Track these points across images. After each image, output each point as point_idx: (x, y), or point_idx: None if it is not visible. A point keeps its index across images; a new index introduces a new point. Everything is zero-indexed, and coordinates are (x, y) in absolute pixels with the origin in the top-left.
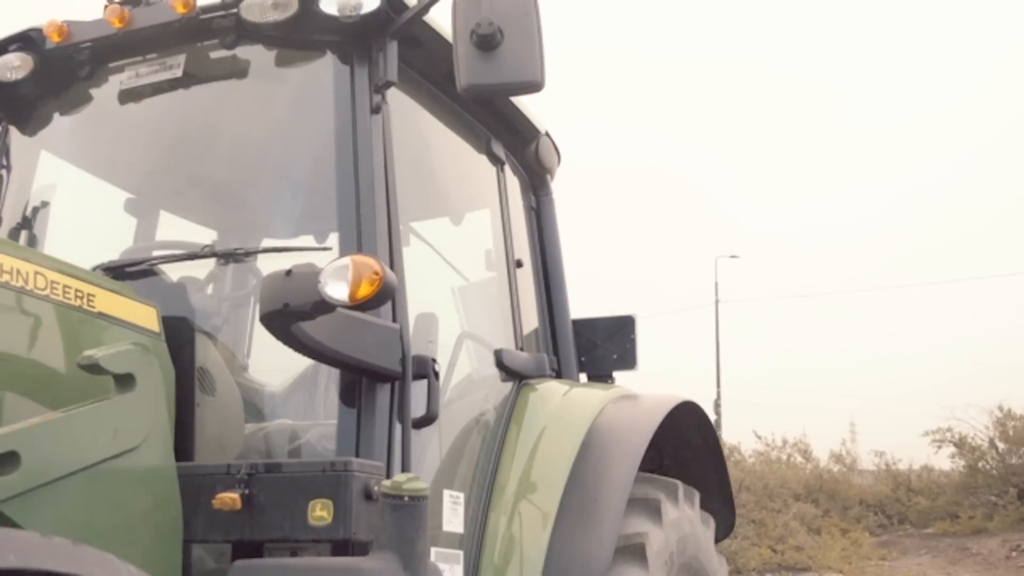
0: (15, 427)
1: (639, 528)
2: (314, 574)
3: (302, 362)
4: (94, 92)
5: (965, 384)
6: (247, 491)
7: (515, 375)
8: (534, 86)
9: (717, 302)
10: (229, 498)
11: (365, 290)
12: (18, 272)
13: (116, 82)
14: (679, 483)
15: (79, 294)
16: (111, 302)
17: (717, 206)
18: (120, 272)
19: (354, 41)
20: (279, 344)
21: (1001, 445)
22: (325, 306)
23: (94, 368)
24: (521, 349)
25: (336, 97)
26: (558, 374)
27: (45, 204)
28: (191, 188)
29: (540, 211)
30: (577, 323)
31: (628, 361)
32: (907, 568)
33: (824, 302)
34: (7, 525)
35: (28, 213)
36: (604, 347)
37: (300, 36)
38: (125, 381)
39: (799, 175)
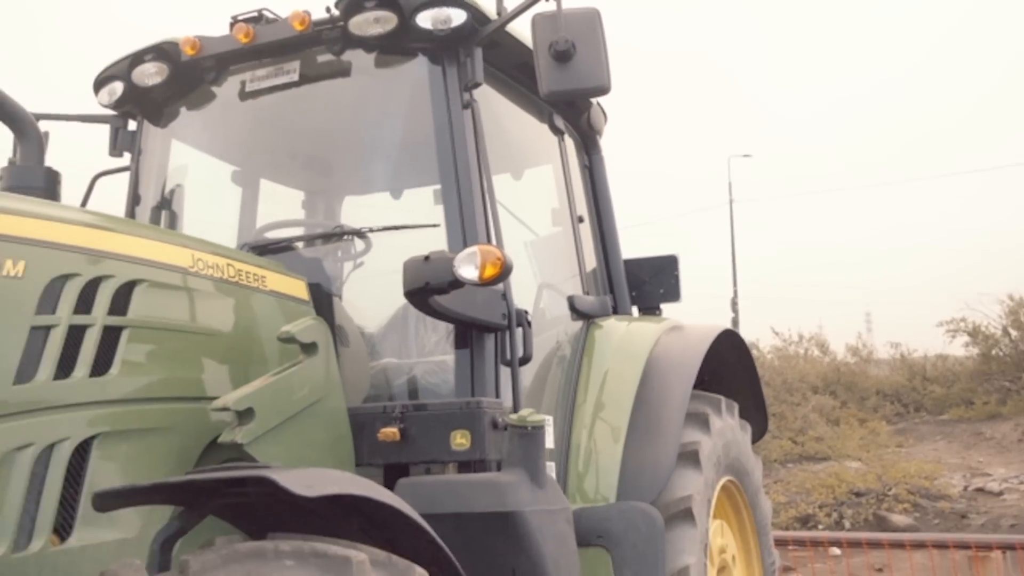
0: (248, 389)
1: (693, 438)
2: (466, 486)
3: (389, 308)
4: (217, 91)
5: (977, 272)
6: (402, 426)
7: (584, 316)
8: (602, 90)
9: (731, 202)
10: (390, 432)
11: (490, 271)
12: (216, 265)
13: (237, 82)
14: (721, 398)
15: (255, 276)
16: (276, 280)
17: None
18: (263, 249)
19: (445, 48)
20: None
21: (1014, 332)
22: (458, 284)
23: (290, 340)
24: (587, 293)
25: (432, 95)
26: (615, 311)
27: (178, 186)
28: (291, 160)
29: (593, 168)
30: (627, 263)
31: (672, 295)
32: (923, 453)
33: (836, 198)
34: (248, 460)
35: (165, 194)
36: (651, 283)
37: (399, 45)
38: (310, 348)
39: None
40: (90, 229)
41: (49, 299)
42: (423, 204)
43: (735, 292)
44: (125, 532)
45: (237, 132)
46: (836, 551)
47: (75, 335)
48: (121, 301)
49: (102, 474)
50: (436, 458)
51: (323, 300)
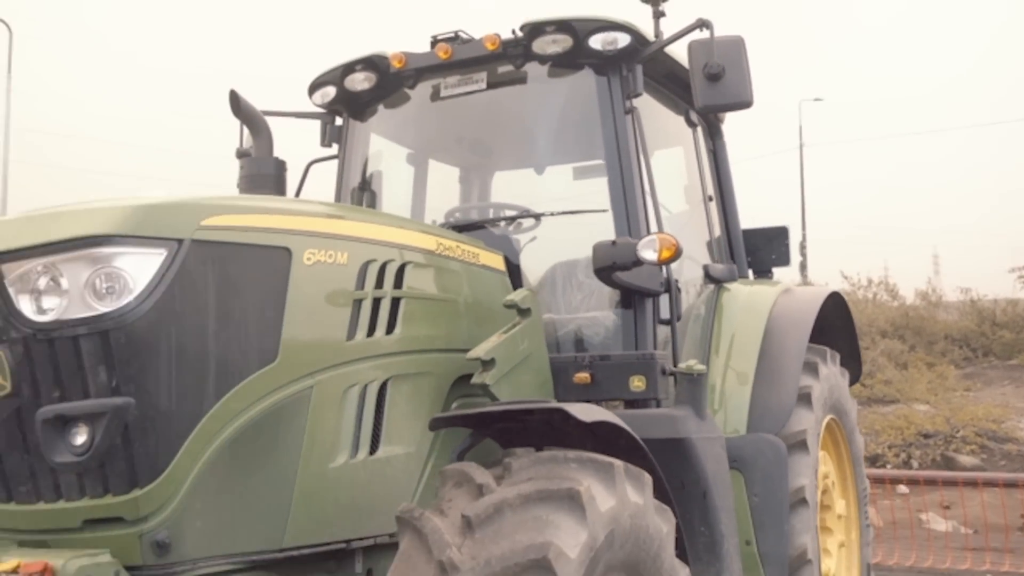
0: (490, 344)
1: (806, 382)
2: (649, 419)
3: (539, 272)
4: (412, 94)
5: None
6: (592, 372)
7: (716, 281)
8: (747, 105)
9: (801, 146)
10: (583, 376)
11: (666, 254)
12: (450, 247)
13: (429, 87)
14: (827, 349)
15: (472, 254)
16: (484, 256)
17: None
18: (461, 228)
19: (610, 64)
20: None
21: None
22: (639, 264)
23: (513, 306)
24: (715, 262)
25: (600, 103)
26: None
27: (377, 171)
28: (457, 144)
29: (717, 152)
30: (743, 232)
31: (783, 260)
32: (991, 397)
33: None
34: (492, 398)
35: (366, 178)
36: (764, 251)
37: (571, 61)
38: (526, 312)
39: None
40: (380, 226)
41: (360, 279)
42: (565, 179)
43: (803, 236)
44: (408, 448)
45: (424, 125)
46: (904, 489)
47: (375, 305)
48: (399, 278)
49: (394, 406)
50: (618, 397)
51: (512, 270)
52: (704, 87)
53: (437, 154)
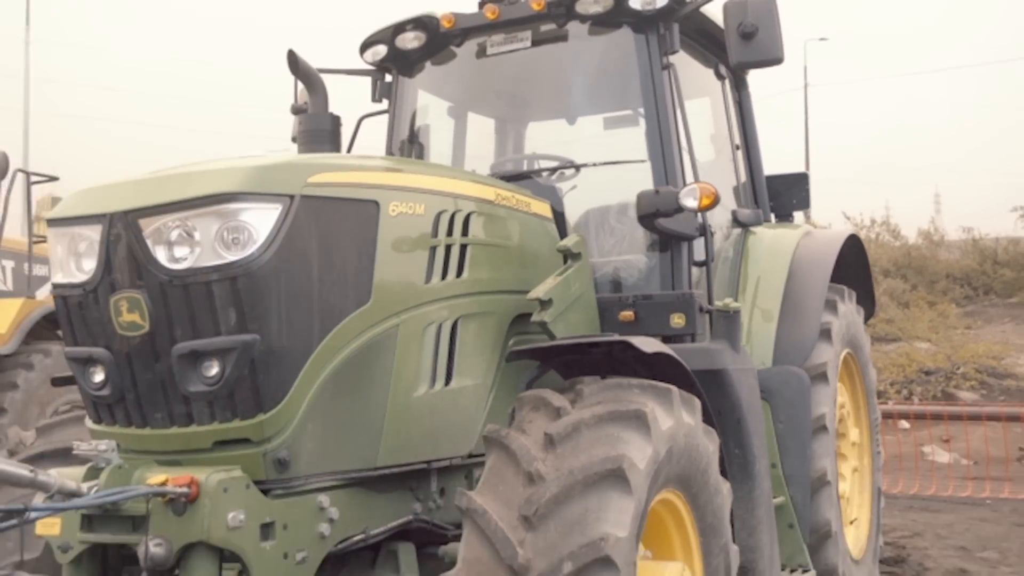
0: (548, 285)
1: (827, 319)
2: (690, 351)
3: (573, 218)
4: (458, 52)
5: None
6: (635, 310)
7: (742, 225)
8: (779, 62)
9: (806, 86)
10: (627, 315)
11: (706, 202)
12: (506, 197)
13: (475, 45)
14: (845, 288)
15: (524, 203)
16: (535, 205)
17: None
18: (510, 178)
19: (648, 23)
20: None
21: None
22: (681, 210)
23: (566, 251)
24: (741, 207)
25: (639, 60)
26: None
27: (424, 124)
28: (497, 98)
29: (742, 103)
30: (766, 179)
31: (803, 204)
32: (991, 335)
33: (909, 82)
34: (549, 335)
35: (414, 131)
36: (785, 195)
37: (611, 20)
38: (577, 257)
39: None
40: (450, 179)
41: (435, 228)
42: (596, 128)
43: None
44: (476, 380)
45: (467, 81)
46: (905, 424)
47: (447, 251)
48: (465, 226)
49: (463, 343)
50: (660, 332)
51: (557, 217)
52: (738, 45)
53: (477, 107)
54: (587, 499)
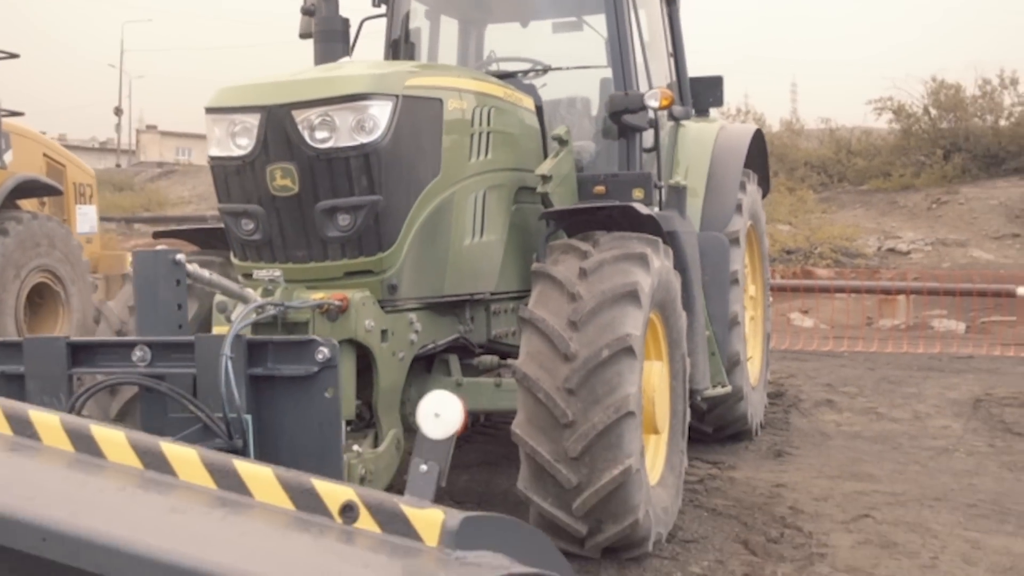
0: (548, 164)
1: (739, 196)
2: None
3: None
4: None
5: (905, 52)
6: (605, 185)
7: (675, 119)
8: None
9: None
10: (599, 189)
11: (665, 102)
12: (510, 95)
13: None
14: (750, 171)
15: (520, 99)
16: (524, 100)
17: None
18: (499, 76)
19: None
20: None
21: (933, 111)
22: (645, 109)
23: (558, 138)
24: (675, 104)
25: None
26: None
27: (414, 27)
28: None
29: (672, 15)
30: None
31: (718, 103)
32: (845, 219)
33: None
34: (549, 204)
35: (407, 31)
36: (703, 94)
37: None
38: (566, 143)
39: None
40: (480, 81)
41: (472, 118)
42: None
43: None
44: (496, 236)
45: None
46: (769, 298)
47: (479, 136)
48: (489, 118)
49: (488, 208)
50: (625, 201)
51: (538, 111)
52: None
53: (448, 11)
54: (614, 310)
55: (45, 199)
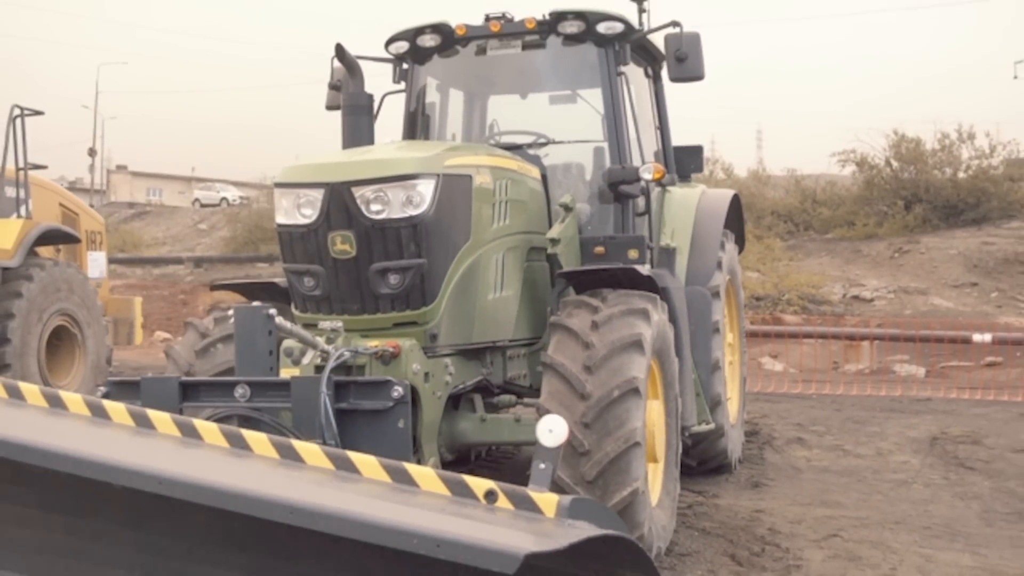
0: (557, 229)
1: (719, 254)
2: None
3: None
4: (462, 50)
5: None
6: (605, 246)
7: (662, 186)
8: (701, 79)
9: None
10: (600, 249)
11: (657, 175)
12: (522, 168)
13: (475, 46)
14: (728, 231)
15: (528, 170)
16: (528, 170)
17: None
18: (505, 147)
19: (609, 42)
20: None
21: (895, 163)
22: (639, 180)
23: (565, 206)
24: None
25: (600, 67)
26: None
27: (430, 102)
28: (477, 80)
29: (658, 93)
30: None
31: (698, 169)
32: (811, 267)
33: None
34: (558, 266)
35: (423, 107)
36: (684, 161)
37: (581, 38)
38: (571, 210)
39: None
40: (498, 157)
41: (494, 190)
42: (544, 103)
43: None
44: (512, 291)
45: (462, 70)
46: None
47: (499, 205)
48: (507, 189)
49: (506, 267)
50: (623, 262)
51: (542, 179)
52: (675, 66)
53: (455, 83)
54: (622, 357)
55: (60, 246)
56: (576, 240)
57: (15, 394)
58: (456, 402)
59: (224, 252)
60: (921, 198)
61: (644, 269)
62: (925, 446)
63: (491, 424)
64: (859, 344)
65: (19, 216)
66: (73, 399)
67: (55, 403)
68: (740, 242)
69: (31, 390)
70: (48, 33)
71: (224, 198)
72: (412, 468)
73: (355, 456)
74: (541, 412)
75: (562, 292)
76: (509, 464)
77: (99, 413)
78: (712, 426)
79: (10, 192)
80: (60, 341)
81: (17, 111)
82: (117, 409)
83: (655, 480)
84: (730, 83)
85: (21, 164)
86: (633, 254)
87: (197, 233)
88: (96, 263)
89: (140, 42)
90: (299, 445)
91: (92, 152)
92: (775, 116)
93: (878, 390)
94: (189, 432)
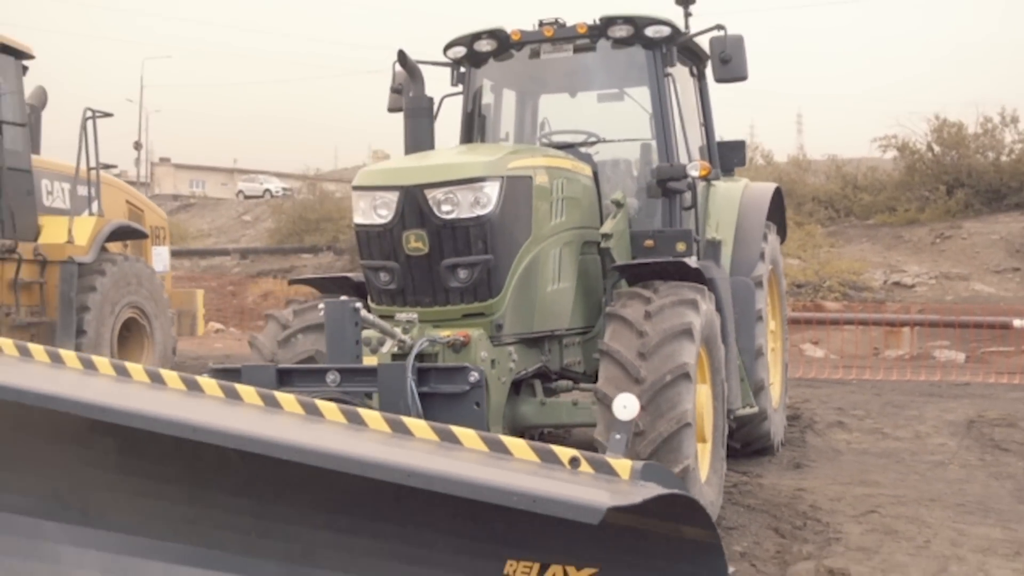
0: (610, 224)
1: (762, 246)
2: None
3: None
4: (516, 54)
5: (908, 87)
6: (654, 239)
7: (707, 180)
8: (745, 79)
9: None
10: (649, 243)
11: (703, 172)
12: (575, 165)
13: (528, 50)
14: (770, 223)
15: (582, 168)
16: (581, 169)
17: None
18: (558, 146)
19: (656, 45)
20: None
21: (936, 148)
22: (687, 177)
23: (616, 202)
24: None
25: (648, 69)
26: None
27: (486, 103)
28: (531, 80)
29: (703, 92)
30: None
31: (741, 163)
32: (851, 253)
33: (784, 14)
34: (611, 259)
35: (480, 108)
36: (728, 156)
37: (630, 41)
38: (622, 205)
39: None
40: (553, 158)
41: (551, 189)
42: (592, 102)
43: None
44: (568, 284)
45: (515, 71)
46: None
47: (555, 203)
48: (561, 187)
49: (563, 261)
50: (671, 255)
51: (593, 176)
52: (719, 67)
53: (508, 84)
54: (673, 344)
55: (127, 242)
56: (627, 234)
57: (157, 379)
58: (517, 387)
59: (269, 243)
60: (963, 183)
61: (692, 262)
62: (962, 429)
63: (550, 407)
64: (899, 330)
65: (91, 214)
66: (208, 383)
67: (192, 387)
68: (782, 233)
69: (171, 376)
70: (93, 28)
71: (267, 190)
72: (505, 439)
73: (456, 429)
74: (599, 396)
75: (616, 284)
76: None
77: (232, 395)
78: (756, 409)
79: (82, 191)
80: (130, 332)
81: (89, 113)
82: (248, 392)
83: (704, 459)
84: (769, 68)
85: (93, 164)
86: (681, 247)
87: (241, 225)
88: (160, 257)
89: (180, 38)
90: (408, 420)
91: (138, 145)
92: (814, 99)
93: (917, 375)
94: (312, 411)
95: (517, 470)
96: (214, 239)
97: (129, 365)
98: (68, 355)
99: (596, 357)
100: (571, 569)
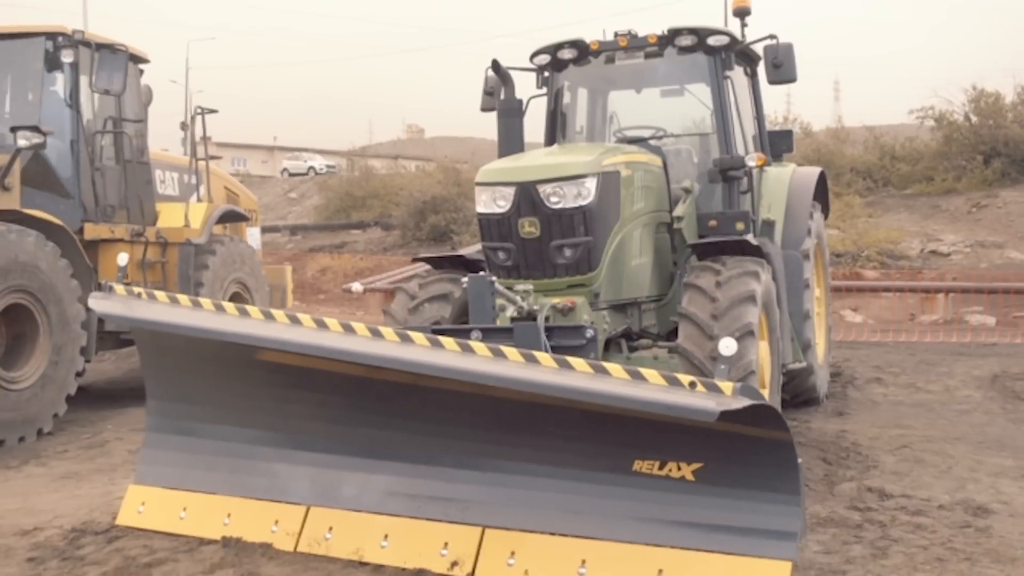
0: (680, 209)
1: (808, 223)
2: (748, 243)
3: None
4: (594, 60)
5: (944, 57)
6: (718, 220)
7: (761, 168)
8: (794, 81)
9: None
10: (713, 224)
11: (760, 163)
12: (651, 158)
13: (604, 56)
14: (816, 202)
15: (655, 160)
16: (654, 161)
17: None
18: (630, 140)
19: (716, 52)
20: None
21: (974, 119)
22: (744, 166)
23: (686, 189)
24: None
25: (709, 73)
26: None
27: (567, 104)
28: (603, 81)
29: (755, 88)
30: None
31: (789, 150)
32: (889, 223)
33: None
34: (683, 238)
35: (562, 108)
36: (777, 144)
37: (694, 48)
38: (690, 192)
39: None
40: (634, 153)
41: (634, 179)
42: (655, 99)
43: None
44: (647, 259)
45: (591, 74)
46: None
47: (637, 191)
48: (642, 178)
49: (641, 240)
50: (732, 235)
51: (664, 167)
52: (772, 71)
53: (582, 83)
54: (740, 308)
55: (227, 224)
56: (694, 216)
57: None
58: (607, 345)
59: (317, 220)
60: (1000, 152)
61: (752, 239)
62: (987, 383)
63: (635, 361)
64: (935, 297)
65: (199, 199)
66: (417, 336)
67: (435, 344)
68: (825, 211)
69: (388, 332)
70: (141, 11)
71: (311, 167)
72: (642, 370)
73: (605, 364)
74: (680, 351)
75: (687, 258)
76: None
77: (436, 344)
78: (804, 364)
79: (175, 175)
80: None
81: (199, 110)
82: (480, 347)
83: None
84: (807, 33)
85: (200, 155)
86: (740, 226)
87: (288, 202)
88: (253, 237)
89: (223, 20)
90: (570, 359)
91: (184, 126)
92: (850, 65)
93: (949, 337)
94: (496, 353)
95: (654, 389)
96: (262, 216)
97: (354, 324)
98: (304, 317)
99: (673, 320)
100: (683, 464)
